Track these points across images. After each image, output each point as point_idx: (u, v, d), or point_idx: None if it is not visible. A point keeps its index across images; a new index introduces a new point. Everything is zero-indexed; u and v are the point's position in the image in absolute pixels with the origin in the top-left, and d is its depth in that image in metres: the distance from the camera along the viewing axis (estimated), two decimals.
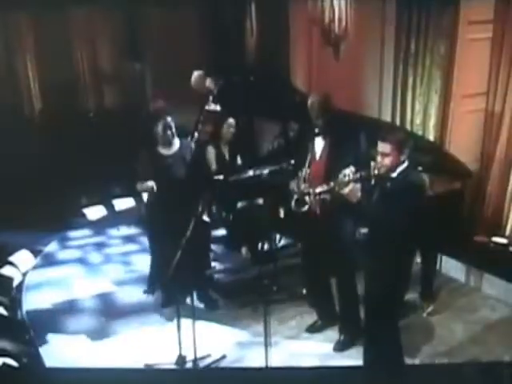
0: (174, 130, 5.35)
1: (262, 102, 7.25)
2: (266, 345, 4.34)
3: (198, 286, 5.30)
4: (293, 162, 5.69)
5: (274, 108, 7.45)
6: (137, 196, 7.97)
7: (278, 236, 6.10)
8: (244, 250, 6.28)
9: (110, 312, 5.68)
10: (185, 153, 5.44)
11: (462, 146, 6.28)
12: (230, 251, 6.05)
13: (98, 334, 5.32)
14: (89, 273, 6.46)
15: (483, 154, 6.31)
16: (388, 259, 4.09)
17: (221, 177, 5.77)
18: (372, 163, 4.13)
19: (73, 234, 7.40)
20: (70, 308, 5.78)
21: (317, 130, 4.70)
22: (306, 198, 4.45)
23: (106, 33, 9.09)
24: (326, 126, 4.66)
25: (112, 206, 7.94)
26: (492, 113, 6.21)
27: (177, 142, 5.43)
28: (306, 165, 4.68)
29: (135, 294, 5.92)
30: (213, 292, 5.60)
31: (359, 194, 4.09)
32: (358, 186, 4.10)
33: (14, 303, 5.79)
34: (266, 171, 5.55)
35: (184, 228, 4.44)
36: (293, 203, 4.53)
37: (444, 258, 5.92)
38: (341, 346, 4.94)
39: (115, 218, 7.72)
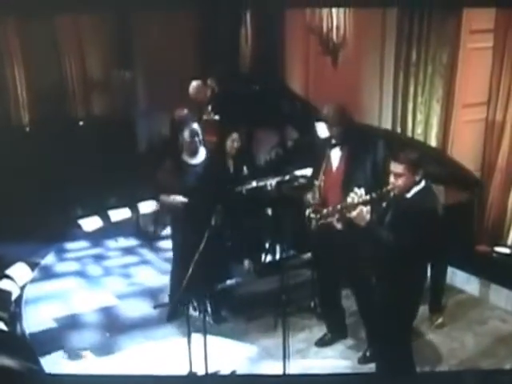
0: (200, 137, 5.30)
1: (261, 110, 7.28)
2: (285, 357, 4.31)
3: (209, 299, 5.22)
4: (299, 172, 5.69)
5: (273, 117, 7.48)
6: (133, 206, 7.95)
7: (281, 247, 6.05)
8: (246, 263, 6.25)
9: (114, 326, 5.58)
10: (210, 163, 5.38)
11: (463, 155, 6.28)
12: (234, 263, 5.97)
13: (102, 349, 5.21)
14: (89, 286, 6.34)
15: (484, 164, 6.33)
16: (401, 274, 4.04)
17: (239, 188, 5.67)
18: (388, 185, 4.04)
19: (70, 245, 7.26)
20: (72, 322, 5.66)
21: (333, 141, 4.64)
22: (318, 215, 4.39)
23: (94, 40, 8.99)
24: (342, 137, 4.59)
25: (108, 217, 7.84)
26: (493, 122, 6.22)
27: (203, 151, 5.36)
28: (321, 176, 4.62)
29: (139, 308, 5.83)
30: (222, 305, 5.53)
31: (368, 216, 3.95)
32: (367, 208, 3.96)
33: (14, 318, 5.68)
34: (273, 182, 5.50)
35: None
36: (306, 216, 4.48)
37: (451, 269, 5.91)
38: (366, 359, 4.88)
39: (112, 229, 7.61)
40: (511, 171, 6.14)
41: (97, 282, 6.41)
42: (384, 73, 6.95)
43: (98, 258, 6.94)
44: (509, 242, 6.17)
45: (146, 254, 7.03)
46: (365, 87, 7.21)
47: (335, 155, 4.66)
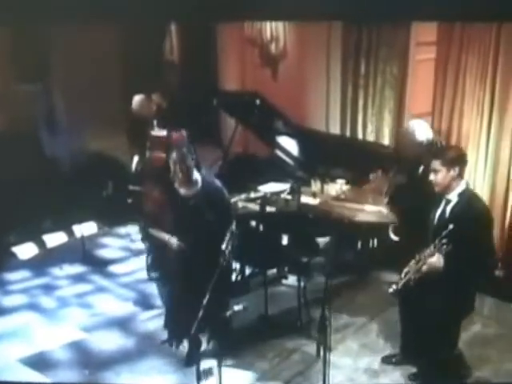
0: (192, 162, 4.66)
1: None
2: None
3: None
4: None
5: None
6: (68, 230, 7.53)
7: None
8: None
9: (91, 362, 5.19)
10: (208, 191, 4.80)
11: None
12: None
13: None
14: (48, 320, 5.85)
15: None
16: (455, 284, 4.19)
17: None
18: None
19: (10, 276, 6.68)
20: (42, 362, 5.19)
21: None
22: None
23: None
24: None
25: (43, 243, 7.34)
26: (439, 132, 6.50)
27: (198, 179, 4.77)
28: None
29: (112, 340, 5.48)
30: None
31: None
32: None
33: None
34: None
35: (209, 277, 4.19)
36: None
37: None
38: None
39: (54, 256, 7.12)
40: None
41: (55, 315, 5.92)
42: (331, 85, 7.05)
43: (47, 289, 6.42)
44: None
45: (99, 280, 6.61)
46: (309, 100, 7.27)
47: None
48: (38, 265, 6.91)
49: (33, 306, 6.09)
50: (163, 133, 6.75)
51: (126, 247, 7.39)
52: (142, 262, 6.83)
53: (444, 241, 4.07)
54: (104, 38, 8.34)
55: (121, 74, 8.59)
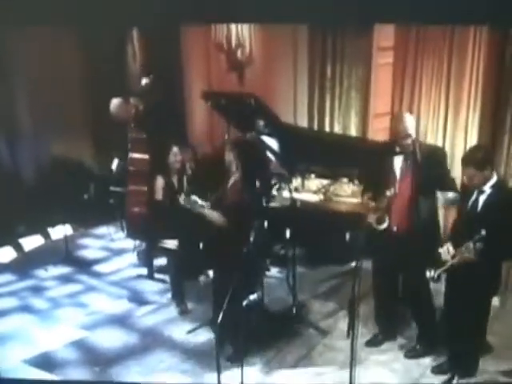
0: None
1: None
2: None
3: None
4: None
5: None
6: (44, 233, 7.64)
7: None
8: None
9: (100, 359, 5.37)
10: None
11: None
12: None
13: None
14: (45, 320, 5.98)
15: None
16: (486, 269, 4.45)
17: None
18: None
19: None
20: (47, 362, 5.32)
21: (397, 149, 4.93)
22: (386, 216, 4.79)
23: None
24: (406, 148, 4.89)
25: (20, 247, 7.43)
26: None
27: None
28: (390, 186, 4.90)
29: (116, 336, 5.70)
30: None
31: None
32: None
33: None
34: None
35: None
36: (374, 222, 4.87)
37: None
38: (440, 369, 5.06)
39: (33, 259, 7.23)
40: None
41: (51, 316, 6.06)
42: (298, 88, 7.42)
43: (37, 290, 6.53)
44: None
45: (88, 280, 6.79)
46: (277, 103, 7.56)
47: (399, 165, 4.96)
48: (22, 267, 7.00)
49: (26, 308, 6.19)
50: (143, 135, 7.00)
51: (106, 247, 7.59)
52: (125, 260, 7.12)
53: (479, 228, 4.28)
54: (65, 41, 8.42)
55: (84, 78, 8.67)
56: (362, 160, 5.60)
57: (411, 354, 5.26)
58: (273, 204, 6.25)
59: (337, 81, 7.17)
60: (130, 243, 7.21)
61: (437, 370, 5.03)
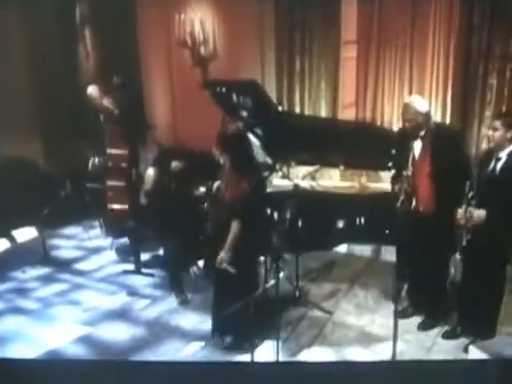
0: None
1: None
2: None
3: None
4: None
5: None
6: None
7: None
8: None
9: (116, 351, 5.26)
10: None
11: None
12: None
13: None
14: (40, 320, 5.76)
15: None
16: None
17: None
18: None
19: None
20: (59, 359, 5.14)
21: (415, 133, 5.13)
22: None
23: None
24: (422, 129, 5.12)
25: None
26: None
27: None
28: (410, 166, 5.14)
29: (122, 329, 5.61)
30: None
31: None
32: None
33: None
34: None
35: None
36: (399, 203, 5.04)
37: None
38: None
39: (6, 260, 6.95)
40: None
41: (45, 315, 5.85)
42: (265, 81, 7.58)
43: (21, 292, 6.27)
44: None
45: (72, 278, 6.59)
46: None
47: (418, 146, 5.18)
48: None
49: (18, 310, 5.95)
50: (121, 130, 6.94)
51: (80, 246, 7.42)
52: (104, 257, 7.00)
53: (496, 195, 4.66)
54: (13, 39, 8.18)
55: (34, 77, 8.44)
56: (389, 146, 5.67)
57: (424, 326, 5.49)
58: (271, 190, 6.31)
59: (306, 73, 7.43)
60: (105, 241, 7.12)
61: (448, 335, 5.29)
